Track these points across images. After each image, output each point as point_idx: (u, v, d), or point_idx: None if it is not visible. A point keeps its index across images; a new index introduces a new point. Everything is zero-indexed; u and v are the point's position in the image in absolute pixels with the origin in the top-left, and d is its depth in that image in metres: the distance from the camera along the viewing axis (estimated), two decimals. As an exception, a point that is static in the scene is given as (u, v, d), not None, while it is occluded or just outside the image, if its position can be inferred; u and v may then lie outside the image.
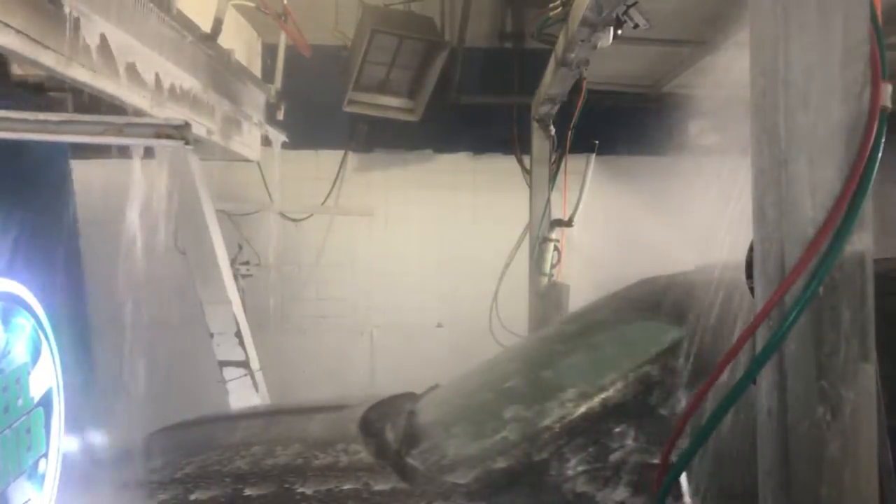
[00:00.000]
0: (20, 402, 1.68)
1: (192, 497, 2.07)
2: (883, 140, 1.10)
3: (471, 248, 5.45)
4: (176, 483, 2.17)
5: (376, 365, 5.49)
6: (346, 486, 2.00)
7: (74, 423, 1.95)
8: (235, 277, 4.46)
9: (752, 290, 1.22)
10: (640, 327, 2.35)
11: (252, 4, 3.68)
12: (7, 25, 1.81)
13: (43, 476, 1.80)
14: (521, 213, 4.88)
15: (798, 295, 1.10)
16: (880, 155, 1.10)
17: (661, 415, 1.93)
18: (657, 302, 2.49)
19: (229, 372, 4.08)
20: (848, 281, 1.11)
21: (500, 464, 1.91)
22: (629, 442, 1.86)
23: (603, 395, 1.98)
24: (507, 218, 5.11)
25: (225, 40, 3.18)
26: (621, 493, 1.72)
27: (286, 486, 2.05)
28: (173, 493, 2.11)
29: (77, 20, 1.96)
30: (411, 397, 2.83)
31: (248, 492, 2.07)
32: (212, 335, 4.05)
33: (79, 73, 2.14)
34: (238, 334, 4.10)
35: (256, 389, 4.10)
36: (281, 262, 5.36)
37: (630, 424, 1.91)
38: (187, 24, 2.72)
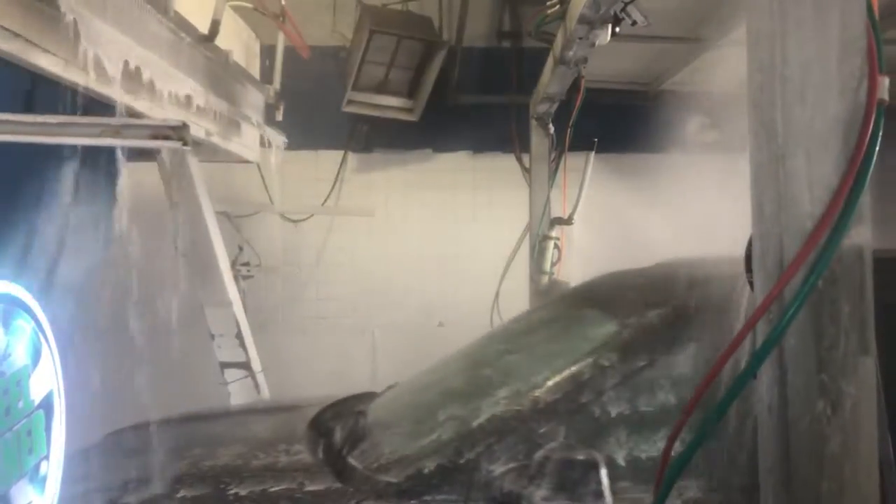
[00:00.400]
0: (21, 404, 1.68)
1: (125, 500, 2.09)
2: (880, 134, 1.10)
3: (471, 247, 5.46)
4: (115, 488, 2.17)
5: (378, 365, 5.49)
6: (280, 487, 2.00)
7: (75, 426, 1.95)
8: (236, 279, 4.46)
9: (751, 284, 1.22)
10: (579, 324, 2.35)
11: (250, 6, 3.68)
12: (5, 29, 1.81)
13: (44, 478, 1.80)
14: (521, 212, 4.88)
15: (797, 289, 1.10)
16: (878, 148, 1.10)
17: (590, 412, 1.93)
18: (604, 298, 2.50)
19: (231, 373, 4.08)
20: (847, 274, 1.11)
21: (432, 462, 1.91)
22: (557, 439, 1.87)
23: (533, 393, 1.99)
24: (507, 216, 5.12)
25: (223, 42, 3.18)
26: (546, 490, 1.73)
27: (221, 486, 2.05)
28: (109, 497, 2.12)
29: (75, 23, 1.96)
30: (370, 397, 2.83)
31: (182, 493, 2.07)
32: (213, 337, 4.05)
33: (77, 77, 2.14)
34: (239, 335, 4.10)
35: (258, 391, 4.10)
36: (281, 263, 5.36)
37: (558, 422, 1.92)
38: (185, 26, 2.72)
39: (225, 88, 3.44)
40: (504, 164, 5.53)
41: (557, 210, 4.39)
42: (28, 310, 1.74)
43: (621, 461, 1.91)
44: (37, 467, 1.76)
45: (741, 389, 1.14)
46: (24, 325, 1.71)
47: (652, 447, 1.92)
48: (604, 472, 1.72)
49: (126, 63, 2.23)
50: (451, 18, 5.47)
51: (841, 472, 1.11)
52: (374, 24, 4.86)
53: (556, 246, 4.38)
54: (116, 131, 1.57)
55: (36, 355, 1.76)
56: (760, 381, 1.18)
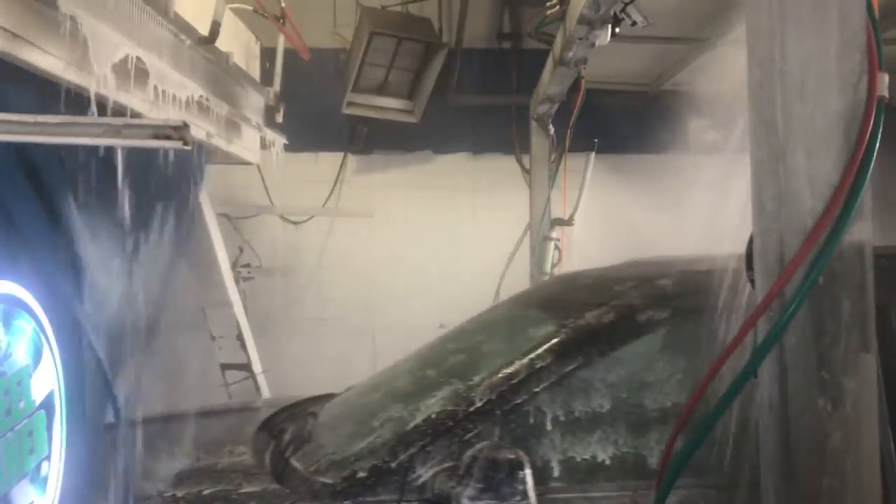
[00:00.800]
0: (22, 404, 1.68)
1: None
2: (881, 130, 1.10)
3: (471, 248, 5.46)
4: None
5: (379, 366, 5.46)
6: (216, 489, 2.00)
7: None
8: (236, 280, 4.46)
9: (752, 281, 1.22)
10: (522, 325, 2.34)
11: (250, 7, 3.68)
12: (4, 30, 1.81)
13: (46, 479, 1.80)
14: (522, 213, 4.88)
15: (798, 286, 1.10)
16: (878, 144, 1.10)
17: (524, 412, 1.93)
18: (550, 299, 2.50)
19: (232, 375, 4.08)
20: (847, 271, 1.11)
21: (367, 464, 1.91)
22: (489, 438, 1.87)
23: (469, 394, 1.98)
24: (508, 217, 5.12)
25: (223, 44, 3.17)
26: (473, 490, 1.74)
27: (160, 488, 2.05)
28: None
29: (75, 24, 1.96)
30: (328, 399, 2.83)
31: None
32: (213, 338, 4.05)
33: (76, 77, 2.14)
34: (240, 337, 4.10)
35: (259, 392, 4.10)
36: (282, 265, 5.36)
37: (492, 422, 1.92)
38: (185, 28, 2.72)
39: (225, 90, 3.44)
40: (504, 166, 5.53)
41: (558, 211, 4.39)
42: (29, 310, 1.74)
43: (554, 462, 1.92)
44: (38, 468, 1.76)
45: (742, 387, 1.14)
46: (24, 325, 1.72)
47: (586, 449, 1.92)
48: (528, 472, 1.73)
49: (126, 64, 2.23)
50: (450, 20, 5.48)
51: (842, 468, 1.11)
52: (373, 25, 4.86)
53: (556, 247, 4.38)
54: (117, 131, 1.57)
55: (37, 355, 1.76)
56: (761, 379, 1.18)
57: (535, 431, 1.93)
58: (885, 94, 1.12)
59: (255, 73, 4.19)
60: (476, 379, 2.04)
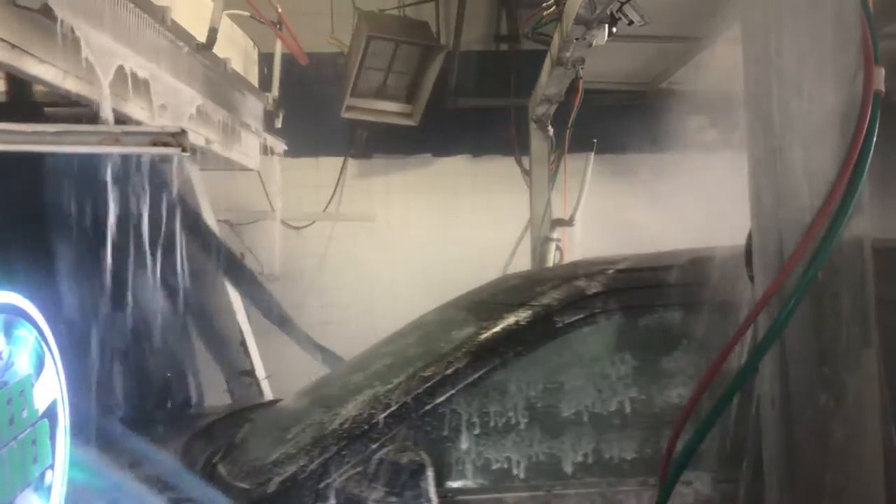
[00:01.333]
0: (25, 413, 1.68)
1: None
2: (877, 124, 1.10)
3: (473, 250, 5.45)
4: None
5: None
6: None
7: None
8: (238, 286, 4.45)
9: (751, 278, 1.22)
10: (446, 327, 2.32)
11: (247, 13, 3.68)
12: (3, 40, 1.82)
13: (49, 488, 1.80)
14: (522, 214, 4.87)
15: (797, 282, 1.10)
16: (875, 139, 1.10)
17: (439, 414, 1.92)
18: (480, 300, 2.48)
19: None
20: (847, 266, 1.11)
21: (284, 469, 1.91)
22: (404, 442, 1.87)
23: (386, 397, 1.97)
24: (508, 219, 5.11)
25: (221, 50, 3.18)
26: (379, 493, 1.75)
27: None
28: None
29: (72, 33, 1.96)
30: (274, 404, 2.83)
31: None
32: (216, 344, 4.05)
33: (75, 86, 2.14)
34: (243, 343, 4.10)
35: (263, 398, 4.10)
36: (283, 270, 5.36)
37: (407, 425, 1.91)
38: (182, 35, 2.73)
39: (224, 96, 3.45)
40: (504, 167, 5.53)
41: (558, 211, 4.39)
42: (30, 319, 1.74)
43: (469, 464, 1.91)
44: (42, 476, 1.76)
45: (743, 383, 1.14)
46: (26, 334, 1.71)
47: (500, 451, 1.91)
48: (430, 474, 1.73)
49: (124, 72, 2.24)
50: (447, 23, 5.48)
51: (846, 465, 1.11)
52: (371, 29, 4.87)
53: (557, 247, 4.38)
54: (116, 139, 1.58)
55: (39, 364, 1.76)
56: (762, 376, 1.18)
57: (451, 434, 1.91)
58: (882, 88, 1.11)
59: (254, 78, 4.20)
60: (394, 382, 2.02)
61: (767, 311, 1.14)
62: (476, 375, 1.95)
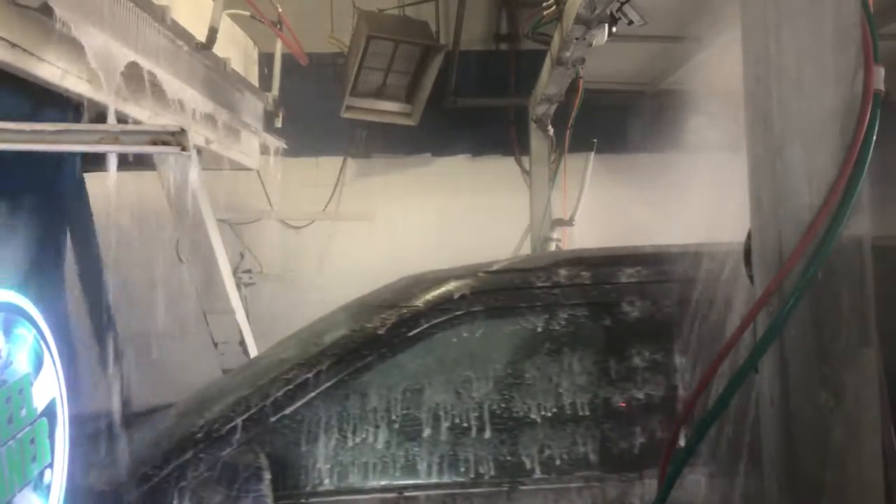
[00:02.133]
0: (24, 412, 1.68)
1: None
2: (877, 123, 1.10)
3: (472, 250, 5.41)
4: None
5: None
6: None
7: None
8: (238, 286, 4.46)
9: (751, 277, 1.22)
10: (324, 329, 2.29)
11: (247, 13, 3.68)
12: (2, 39, 1.82)
13: (49, 486, 1.80)
14: (522, 214, 4.88)
15: (797, 281, 1.10)
16: (875, 138, 1.09)
17: (298, 417, 1.91)
18: (365, 302, 2.46)
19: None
20: (846, 265, 1.11)
21: (142, 470, 1.90)
22: (251, 444, 1.87)
23: (248, 400, 1.96)
24: (508, 219, 5.11)
25: (220, 50, 3.18)
26: (220, 495, 1.75)
27: None
28: None
29: (72, 32, 1.96)
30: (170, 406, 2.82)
31: None
32: (216, 344, 4.04)
33: (75, 85, 2.14)
34: (242, 343, 4.09)
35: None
36: (283, 270, 5.36)
37: (263, 427, 1.91)
38: (182, 34, 2.73)
39: (224, 96, 3.45)
40: (504, 167, 5.53)
41: (558, 211, 4.39)
42: (29, 318, 1.74)
43: (326, 464, 1.90)
44: (41, 475, 1.76)
45: (742, 382, 1.14)
46: (25, 333, 1.72)
47: (359, 455, 1.91)
48: (266, 476, 1.74)
49: (124, 71, 2.23)
50: (447, 22, 5.48)
51: (845, 463, 1.11)
52: (371, 29, 4.87)
53: (557, 247, 4.38)
54: (115, 138, 1.57)
55: (38, 363, 1.76)
56: (762, 374, 1.18)
57: (308, 437, 1.90)
58: (882, 88, 1.11)
59: (254, 78, 4.20)
60: (257, 385, 2.00)
61: (767, 309, 1.14)
62: (336, 379, 1.94)
